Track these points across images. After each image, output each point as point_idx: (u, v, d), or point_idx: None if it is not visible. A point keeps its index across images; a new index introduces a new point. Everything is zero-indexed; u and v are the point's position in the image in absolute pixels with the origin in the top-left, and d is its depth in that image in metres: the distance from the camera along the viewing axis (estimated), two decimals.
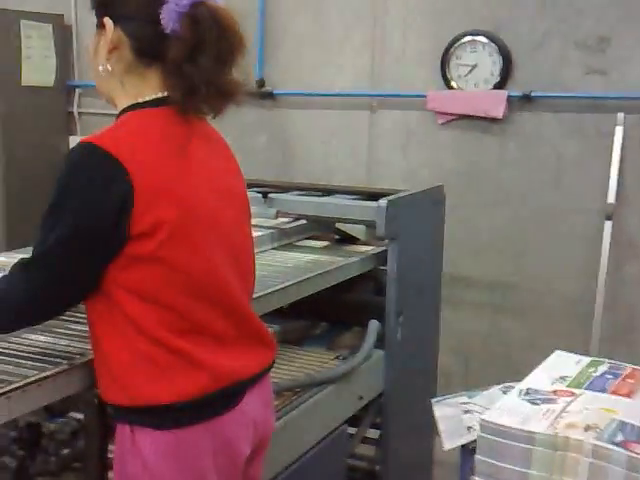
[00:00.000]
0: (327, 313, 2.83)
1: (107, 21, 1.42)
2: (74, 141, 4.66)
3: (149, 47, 1.42)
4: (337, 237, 2.95)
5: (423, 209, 2.81)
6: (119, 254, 1.35)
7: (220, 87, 1.41)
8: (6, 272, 1.91)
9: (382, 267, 2.65)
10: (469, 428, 2.28)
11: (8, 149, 4.15)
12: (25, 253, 2.05)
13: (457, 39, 3.56)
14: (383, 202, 2.50)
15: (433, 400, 2.32)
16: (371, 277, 2.75)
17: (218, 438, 1.43)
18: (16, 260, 1.91)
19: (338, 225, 2.90)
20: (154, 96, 1.44)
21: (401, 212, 2.57)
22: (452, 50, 3.57)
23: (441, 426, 2.24)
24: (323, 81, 3.88)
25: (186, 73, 1.37)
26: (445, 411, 2.27)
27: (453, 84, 3.60)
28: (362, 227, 2.93)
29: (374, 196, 2.89)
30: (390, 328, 2.60)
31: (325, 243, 2.87)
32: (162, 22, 1.37)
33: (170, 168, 1.39)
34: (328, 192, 3.02)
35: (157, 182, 1.35)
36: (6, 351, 1.58)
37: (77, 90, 4.49)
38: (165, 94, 1.44)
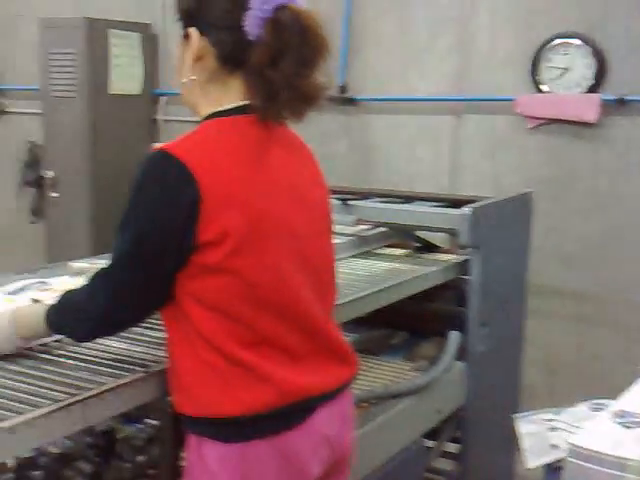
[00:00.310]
0: (406, 322, 2.77)
1: (193, 32, 1.42)
2: None
3: (233, 54, 1.41)
4: (417, 245, 2.88)
5: (509, 217, 2.72)
6: (188, 261, 1.34)
7: (301, 91, 1.37)
8: (85, 278, 1.97)
9: (464, 276, 2.57)
10: (554, 446, 2.18)
11: (96, 156, 4.25)
12: (104, 259, 2.08)
13: (548, 41, 3.44)
14: (467, 210, 2.42)
15: (516, 416, 2.23)
16: (452, 286, 2.66)
17: (284, 455, 1.39)
18: (95, 267, 1.97)
19: (419, 233, 2.84)
20: (235, 104, 1.42)
21: (485, 220, 2.49)
22: (543, 53, 3.45)
23: (525, 443, 2.15)
24: (407, 86, 3.82)
25: (267, 78, 1.35)
26: (529, 428, 2.18)
27: (543, 88, 3.47)
28: (443, 235, 2.86)
29: (457, 203, 2.81)
30: (472, 340, 2.51)
31: (405, 251, 2.81)
32: (246, 28, 1.36)
33: (243, 176, 1.36)
34: (409, 199, 2.96)
35: (226, 190, 1.33)
36: (82, 357, 1.59)
37: (162, 98, 4.56)
38: (246, 102, 1.42)
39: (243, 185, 1.36)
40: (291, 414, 1.40)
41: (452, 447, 2.64)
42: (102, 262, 2.05)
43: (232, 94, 1.43)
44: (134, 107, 4.45)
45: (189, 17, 1.44)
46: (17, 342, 1.54)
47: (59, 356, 1.60)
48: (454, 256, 2.68)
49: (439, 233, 2.81)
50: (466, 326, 2.52)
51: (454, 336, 2.44)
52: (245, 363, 1.36)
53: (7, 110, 5.06)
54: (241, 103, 1.42)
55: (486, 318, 2.54)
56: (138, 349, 1.64)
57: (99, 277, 1.43)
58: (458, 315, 2.59)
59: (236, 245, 1.33)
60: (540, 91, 3.49)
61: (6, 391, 1.41)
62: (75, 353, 1.62)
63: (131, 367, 1.54)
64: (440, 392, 2.38)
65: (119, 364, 1.56)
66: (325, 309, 1.51)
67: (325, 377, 1.47)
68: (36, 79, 4.56)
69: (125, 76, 4.35)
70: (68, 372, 1.51)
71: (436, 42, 3.74)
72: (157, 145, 1.37)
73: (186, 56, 1.44)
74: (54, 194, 4.35)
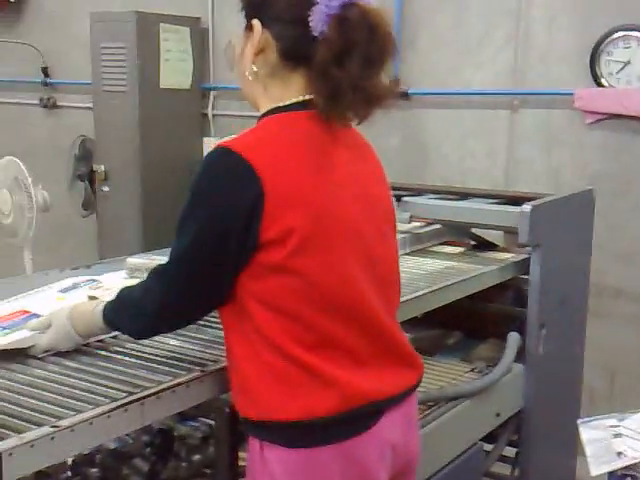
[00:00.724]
0: (462, 322, 2.71)
1: (256, 23, 1.38)
2: (208, 143, 4.75)
3: (296, 50, 1.37)
4: (473, 243, 2.82)
5: (569, 214, 2.63)
6: (250, 261, 1.31)
7: (367, 92, 1.32)
8: (141, 275, 1.95)
9: (523, 276, 2.50)
10: (619, 454, 2.10)
11: (146, 150, 4.25)
12: (160, 255, 2.07)
13: (608, 34, 3.33)
14: (527, 207, 2.35)
15: (579, 421, 2.16)
16: (511, 286, 2.59)
17: (349, 462, 1.34)
18: (152, 263, 1.95)
19: (474, 230, 2.77)
20: (295, 100, 1.38)
21: (545, 218, 2.41)
22: (602, 46, 3.34)
23: (588, 450, 2.07)
24: (461, 80, 3.74)
25: (332, 77, 1.30)
26: (593, 434, 2.11)
27: (603, 82, 3.37)
28: (499, 233, 2.79)
29: (514, 200, 2.74)
30: (531, 341, 2.44)
31: (461, 249, 2.74)
32: (311, 24, 1.31)
33: (306, 174, 1.32)
34: (464, 195, 2.89)
35: (290, 188, 1.30)
36: (139, 354, 1.57)
37: (212, 92, 4.54)
38: (307, 97, 1.37)
39: (307, 183, 1.32)
40: (356, 419, 1.35)
41: (510, 451, 2.57)
42: (159, 258, 2.05)
43: (293, 89, 1.39)
44: (184, 101, 4.43)
45: (253, 8, 1.40)
46: (75, 339, 1.52)
47: (116, 353, 1.58)
48: (512, 255, 2.61)
49: (494, 231, 2.75)
50: (525, 327, 2.44)
51: (514, 337, 2.37)
52: (309, 366, 1.32)
53: (58, 104, 5.09)
54: (301, 98, 1.38)
55: (546, 319, 2.47)
56: (194, 347, 1.62)
57: (156, 274, 1.41)
58: (517, 316, 2.52)
59: (300, 244, 1.29)
60: (599, 85, 3.39)
61: (64, 388, 1.40)
62: (132, 350, 1.60)
63: (188, 366, 1.52)
64: (499, 395, 2.31)
65: (176, 362, 1.53)
66: (389, 311, 1.46)
67: (390, 380, 1.42)
68: (86, 73, 4.58)
69: (175, 70, 4.34)
70: (125, 370, 1.49)
71: (492, 35, 3.65)
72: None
73: (247, 48, 1.41)
74: (105, 188, 4.36)
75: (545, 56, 3.53)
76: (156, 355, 1.57)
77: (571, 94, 3.43)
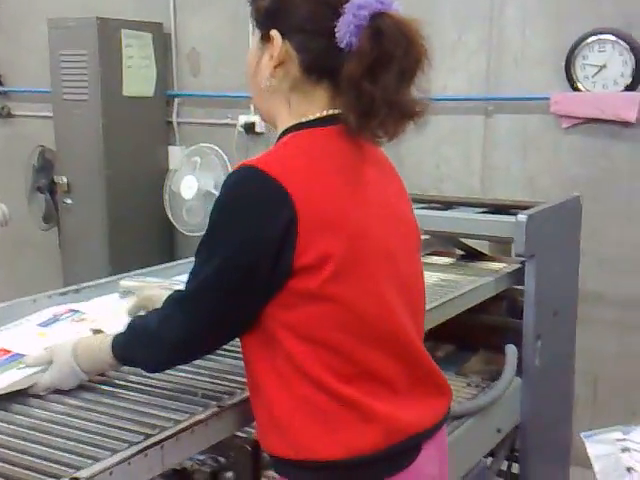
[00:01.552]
0: (453, 334, 2.65)
1: (275, 34, 1.29)
2: (173, 151, 4.64)
3: (320, 62, 1.28)
4: (461, 252, 2.77)
5: (560, 223, 2.60)
6: (281, 289, 1.22)
7: (403, 107, 1.24)
8: (129, 295, 1.83)
9: (518, 286, 2.46)
10: (629, 469, 2.06)
11: (110, 160, 4.11)
12: (152, 276, 1.94)
13: (583, 38, 3.32)
14: (522, 217, 2.30)
15: (583, 435, 2.11)
16: (503, 296, 2.55)
17: None
18: (146, 286, 1.84)
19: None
20: (319, 115, 1.30)
21: (539, 227, 2.37)
22: (578, 50, 3.33)
23: (597, 466, 2.02)
24: (434, 85, 3.66)
25: (365, 91, 1.21)
26: (600, 449, 2.05)
27: (579, 86, 3.36)
28: (484, 242, 2.75)
29: (498, 209, 2.71)
30: (528, 353, 2.40)
31: (451, 259, 2.70)
32: (337, 35, 1.23)
33: (340, 195, 1.25)
34: (447, 204, 2.84)
35: (324, 210, 1.21)
36: (146, 389, 1.47)
37: (176, 100, 4.43)
38: (331, 112, 1.30)
39: (341, 204, 1.24)
40: (397, 455, 1.28)
41: (506, 465, 2.53)
42: (154, 280, 1.94)
43: (316, 104, 1.31)
44: (147, 109, 4.31)
45: (270, 17, 1.30)
46: (80, 376, 1.42)
47: (121, 388, 1.48)
48: (504, 265, 2.57)
49: (479, 240, 2.71)
50: (519, 339, 2.40)
51: (512, 351, 2.32)
52: (347, 399, 1.24)
53: (13, 113, 4.91)
54: (325, 113, 1.30)
55: (541, 330, 2.43)
56: (204, 379, 1.53)
57: (176, 302, 1.31)
58: (511, 327, 2.47)
59: (336, 269, 1.20)
60: (575, 89, 3.38)
61: (74, 431, 1.30)
62: (137, 384, 1.50)
63: (202, 400, 1.42)
64: (500, 410, 2.26)
65: (189, 396, 1.44)
66: (419, 334, 1.39)
67: (426, 411, 1.35)
68: (43, 81, 4.41)
69: (138, 77, 4.21)
70: (136, 407, 1.39)
71: (464, 39, 3.62)
72: (244, 161, 1.24)
73: (264, 61, 1.32)
74: (67, 200, 4.20)
75: (519, 60, 3.51)
76: (165, 389, 1.48)
77: (546, 98, 3.41)
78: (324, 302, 1.22)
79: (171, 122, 4.43)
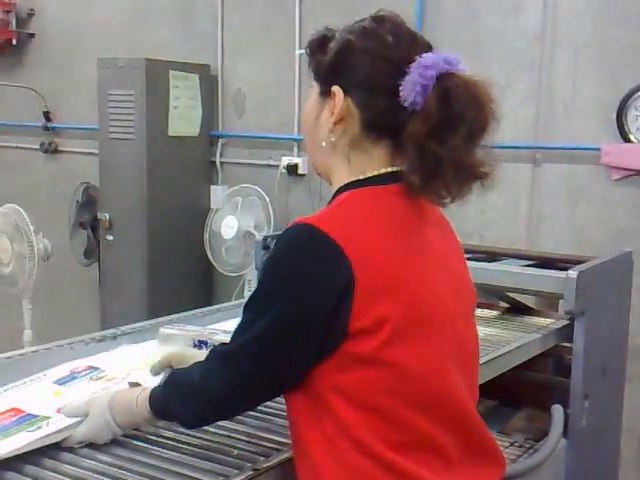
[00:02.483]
0: (495, 390, 2.56)
1: (337, 90, 1.26)
2: (215, 191, 4.65)
3: (381, 120, 1.25)
4: (506, 305, 2.69)
5: (611, 279, 2.52)
6: (333, 352, 1.17)
7: (469, 169, 1.21)
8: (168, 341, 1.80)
9: (566, 344, 2.37)
10: None
11: (152, 199, 4.13)
12: (191, 324, 1.89)
13: (636, 89, 3.25)
14: (573, 273, 2.22)
15: None
16: (549, 353, 2.46)
17: None
18: (187, 334, 1.80)
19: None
20: (377, 172, 1.27)
21: (590, 283, 2.29)
22: (630, 101, 3.27)
23: None
24: None
25: (431, 152, 1.18)
26: None
27: (631, 137, 3.29)
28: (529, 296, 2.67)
29: (546, 262, 2.63)
30: (575, 413, 2.30)
31: (495, 312, 2.62)
32: (401, 94, 1.20)
33: (399, 256, 1.21)
34: (491, 255, 2.77)
35: (383, 272, 1.17)
36: (181, 446, 1.43)
37: (220, 140, 4.44)
38: (390, 169, 1.27)
39: (400, 266, 1.20)
40: None
41: None
42: (193, 328, 1.90)
43: (375, 162, 1.28)
44: (191, 149, 4.33)
45: (332, 73, 1.28)
46: (114, 430, 1.38)
47: (153, 444, 1.43)
48: (551, 320, 2.48)
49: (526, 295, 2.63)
50: (566, 398, 2.31)
51: (559, 411, 2.23)
52: (400, 470, 1.18)
53: (59, 149, 4.97)
54: (383, 171, 1.27)
55: (589, 390, 2.33)
56: (240, 437, 1.47)
57: (219, 357, 1.26)
58: (557, 385, 2.38)
59: (394, 333, 1.16)
60: (627, 141, 3.30)
61: None
62: (171, 440, 1.45)
63: (237, 462, 1.37)
64: (545, 472, 2.16)
65: (222, 456, 1.38)
66: (473, 399, 1.33)
67: None
68: (89, 118, 4.48)
69: (183, 118, 4.24)
70: (168, 466, 1.35)
71: (513, 87, 3.57)
72: (301, 218, 1.21)
73: (324, 116, 1.29)
74: (109, 237, 4.22)
75: (569, 109, 3.45)
76: (199, 447, 1.43)
77: (596, 149, 3.34)
78: (379, 366, 1.17)
79: (214, 162, 4.44)
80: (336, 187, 1.30)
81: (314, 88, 1.32)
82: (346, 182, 1.28)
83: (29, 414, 1.46)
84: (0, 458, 1.31)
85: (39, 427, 1.40)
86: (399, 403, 1.19)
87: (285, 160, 4.15)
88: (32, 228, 4.02)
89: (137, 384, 1.47)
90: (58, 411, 1.45)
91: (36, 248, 4.00)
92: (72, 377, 1.64)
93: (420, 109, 1.19)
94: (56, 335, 2.02)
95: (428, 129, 1.18)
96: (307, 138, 1.36)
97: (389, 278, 1.18)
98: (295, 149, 4.17)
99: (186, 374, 1.31)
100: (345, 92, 1.26)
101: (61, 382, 1.62)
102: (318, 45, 1.30)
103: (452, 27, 3.68)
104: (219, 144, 4.43)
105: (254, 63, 4.26)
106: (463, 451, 1.26)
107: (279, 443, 1.43)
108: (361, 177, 1.27)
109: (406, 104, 1.20)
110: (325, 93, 1.29)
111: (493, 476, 1.34)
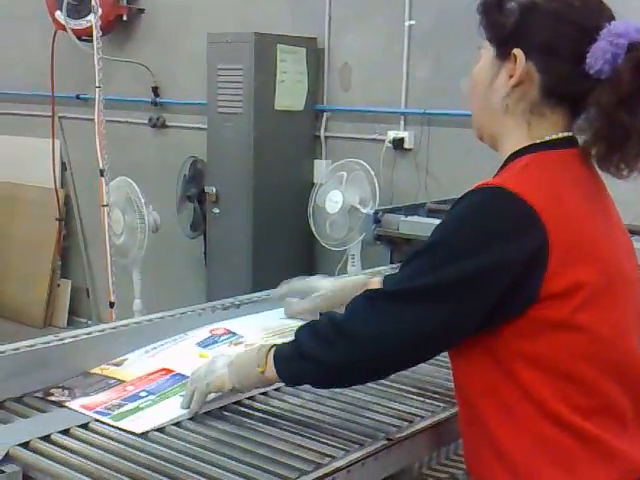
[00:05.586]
0: None
1: (518, 53, 1.24)
2: (319, 165, 4.62)
3: (562, 86, 1.24)
4: None
5: None
6: (520, 316, 1.16)
7: None
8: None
9: None
10: None
11: (258, 173, 4.17)
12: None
13: None
14: None
15: None
16: None
17: None
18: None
19: None
20: (555, 136, 1.26)
21: None
22: None
23: None
24: None
25: (620, 122, 1.17)
26: None
27: None
28: None
29: None
30: None
31: None
32: (587, 61, 1.19)
33: (589, 221, 1.22)
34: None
35: (576, 236, 1.18)
36: (313, 415, 1.44)
37: (325, 114, 4.44)
38: (566, 134, 1.26)
39: (592, 231, 1.21)
40: None
41: None
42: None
43: (551, 127, 1.27)
44: (296, 123, 4.34)
45: (514, 35, 1.25)
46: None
47: (283, 418, 1.43)
48: None
49: None
50: None
51: None
52: (588, 436, 1.18)
53: (167, 124, 5.08)
54: (561, 135, 1.26)
55: None
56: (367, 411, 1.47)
57: (378, 298, 1.22)
58: None
59: (587, 298, 1.17)
60: None
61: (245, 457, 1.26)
62: (303, 412, 1.46)
63: (369, 431, 1.37)
64: None
65: (346, 432, 1.36)
66: None
67: None
68: (196, 93, 4.55)
69: (290, 92, 4.25)
70: (290, 439, 1.34)
71: None
72: (483, 182, 1.20)
73: (500, 79, 1.27)
74: (215, 210, 4.30)
75: None
76: (333, 415, 1.44)
77: None
78: (572, 331, 1.17)
79: (319, 136, 4.45)
80: (508, 151, 1.28)
81: (487, 50, 1.29)
82: (524, 146, 1.27)
83: (179, 374, 1.52)
84: (162, 426, 1.35)
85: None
86: (589, 368, 1.18)
87: (391, 134, 4.11)
88: (143, 201, 4.14)
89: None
90: None
91: (147, 220, 4.13)
92: (213, 340, 1.70)
93: (608, 78, 1.18)
94: (164, 305, 2.07)
95: (619, 98, 1.16)
96: (476, 101, 1.33)
97: (583, 242, 1.18)
98: (402, 123, 4.13)
99: (330, 316, 1.27)
100: (526, 55, 1.23)
101: (204, 344, 1.68)
102: (496, 4, 1.27)
103: None
104: (324, 118, 4.43)
105: (361, 36, 4.23)
106: (634, 415, 1.25)
107: (404, 420, 1.42)
108: (538, 141, 1.26)
109: (591, 71, 1.18)
110: (503, 55, 1.26)
111: None
